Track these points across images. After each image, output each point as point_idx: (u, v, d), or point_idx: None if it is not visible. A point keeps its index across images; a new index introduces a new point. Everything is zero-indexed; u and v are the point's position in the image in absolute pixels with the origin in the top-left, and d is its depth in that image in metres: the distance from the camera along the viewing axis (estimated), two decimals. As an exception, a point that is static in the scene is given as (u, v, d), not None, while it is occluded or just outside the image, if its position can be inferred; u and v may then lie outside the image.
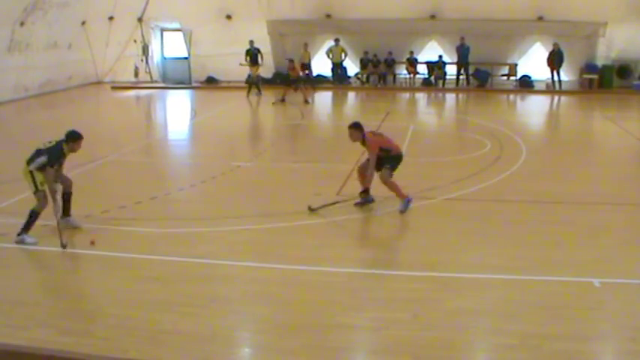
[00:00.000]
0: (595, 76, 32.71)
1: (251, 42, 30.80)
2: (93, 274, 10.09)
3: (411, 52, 34.14)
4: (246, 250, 11.05)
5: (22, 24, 28.46)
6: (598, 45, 32.73)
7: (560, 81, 31.37)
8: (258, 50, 31.22)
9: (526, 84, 32.90)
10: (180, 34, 35.61)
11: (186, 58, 35.84)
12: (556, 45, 29.62)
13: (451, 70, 33.96)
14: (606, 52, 32.79)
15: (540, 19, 32.48)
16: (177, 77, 36.00)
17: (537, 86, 32.76)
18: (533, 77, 33.14)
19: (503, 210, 13.12)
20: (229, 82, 33.72)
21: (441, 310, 8.73)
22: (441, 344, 7.83)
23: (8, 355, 7.51)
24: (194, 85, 35.51)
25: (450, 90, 33.38)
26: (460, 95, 32.57)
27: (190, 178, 16.24)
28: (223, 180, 15.90)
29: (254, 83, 30.58)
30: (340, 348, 7.93)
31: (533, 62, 33.19)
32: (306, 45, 33.62)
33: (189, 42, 35.16)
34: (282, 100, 28.27)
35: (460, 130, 23.22)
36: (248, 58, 30.86)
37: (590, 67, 32.96)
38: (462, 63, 33.21)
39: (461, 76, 33.65)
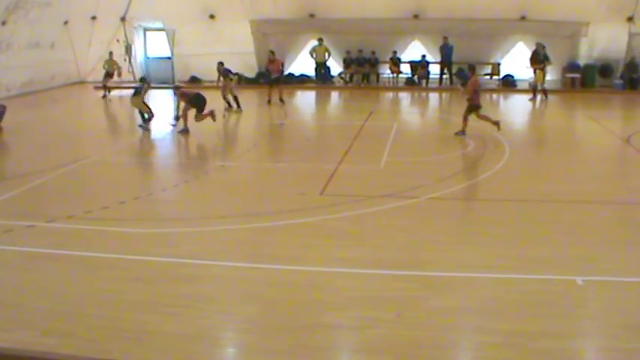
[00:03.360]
0: (577, 76, 32.88)
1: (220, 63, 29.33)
2: (76, 275, 10.03)
3: (394, 52, 34.20)
4: (231, 250, 11.04)
5: (3, 23, 28.29)
6: (580, 44, 32.91)
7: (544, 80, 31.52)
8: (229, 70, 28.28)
9: (509, 83, 33.03)
10: (163, 33, 35.50)
11: (169, 58, 35.74)
12: (538, 44, 29.70)
13: (434, 70, 34.05)
14: (588, 51, 32.98)
15: (523, 18, 32.62)
16: (160, 77, 35.86)
17: (520, 85, 32.89)
18: (516, 77, 33.28)
19: (487, 209, 13.18)
20: (212, 81, 33.60)
21: (424, 309, 8.75)
22: (425, 343, 7.84)
23: (-9, 357, 7.46)
24: (177, 85, 35.39)
25: (433, 89, 33.46)
26: (443, 95, 32.64)
27: (174, 178, 16.22)
28: (207, 180, 15.89)
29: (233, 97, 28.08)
30: (325, 347, 7.93)
31: (516, 62, 33.33)
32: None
33: (172, 42, 35.07)
34: (269, 102, 28.00)
35: (443, 130, 23.27)
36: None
37: (572, 67, 33.13)
38: (446, 62, 33.28)
39: (444, 76, 33.72)
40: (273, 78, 28.56)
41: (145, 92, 23.65)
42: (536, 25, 32.41)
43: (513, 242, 11.32)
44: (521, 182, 14.84)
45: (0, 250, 11.06)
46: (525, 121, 26.32)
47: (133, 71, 35.53)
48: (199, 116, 21.70)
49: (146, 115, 23.19)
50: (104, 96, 30.30)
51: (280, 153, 19.39)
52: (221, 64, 27.71)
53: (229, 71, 27.34)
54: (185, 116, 21.53)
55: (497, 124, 20.30)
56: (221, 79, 27.28)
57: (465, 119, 19.95)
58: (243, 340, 8.26)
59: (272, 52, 29.25)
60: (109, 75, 31.22)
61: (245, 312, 8.87)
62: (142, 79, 25.62)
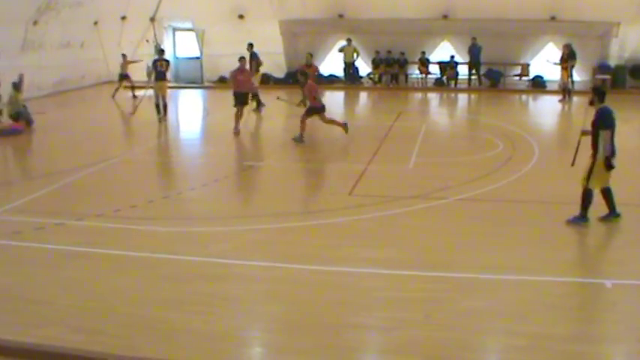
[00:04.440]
0: (607, 77, 32.56)
1: (250, 45, 28.78)
2: (105, 273, 10.11)
3: (423, 53, 34.08)
4: (258, 250, 11.06)
5: (35, 23, 28.53)
6: (611, 45, 32.59)
7: (572, 81, 31.24)
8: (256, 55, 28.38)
9: (538, 84, 32.79)
10: (192, 33, 35.64)
11: (198, 58, 35.87)
12: (568, 45, 29.47)
13: (463, 71, 33.88)
14: (619, 52, 32.64)
15: (553, 19, 32.37)
16: (189, 77, 36.03)
17: (550, 86, 32.63)
18: (546, 77, 33.02)
19: (516, 210, 13.07)
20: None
21: (452, 310, 8.72)
22: (453, 344, 7.81)
23: (21, 353, 7.55)
24: (206, 84, 35.53)
25: (462, 90, 33.30)
26: (472, 95, 32.49)
27: (202, 178, 16.25)
28: (235, 180, 15.94)
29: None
30: (352, 348, 7.93)
31: (546, 62, 33.07)
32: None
33: (201, 42, 35.19)
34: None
35: (472, 131, 23.17)
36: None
37: (603, 67, 32.81)
38: (474, 63, 33.11)
39: (472, 77, 33.55)
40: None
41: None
42: (566, 26, 32.14)
43: (542, 244, 11.24)
44: (550, 184, 14.71)
45: (30, 247, 11.17)
46: (554, 122, 26.15)
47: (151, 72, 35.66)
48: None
49: (160, 104, 23.49)
50: (134, 96, 30.44)
51: (309, 153, 19.39)
52: (251, 45, 27.85)
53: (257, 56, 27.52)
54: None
55: (344, 125, 20.37)
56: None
57: (303, 122, 19.83)
58: (270, 340, 8.28)
59: (310, 55, 26.51)
60: (124, 77, 31.24)
61: (272, 312, 8.88)
62: (161, 51, 25.73)
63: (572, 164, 12.27)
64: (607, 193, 12.06)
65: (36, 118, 23.04)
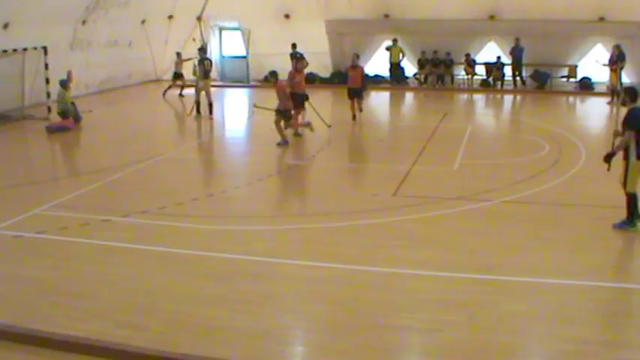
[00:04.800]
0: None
1: (293, 45, 29.62)
2: (149, 269, 10.19)
3: (468, 54, 33.84)
4: (302, 249, 11.07)
5: (83, 22, 28.89)
6: (663, 46, 32.06)
7: (621, 83, 30.78)
8: (301, 55, 27.46)
9: (586, 86, 32.36)
10: (238, 33, 35.80)
11: (244, 57, 36.02)
12: (618, 46, 29.05)
13: (510, 72, 33.60)
14: (670, 53, 32.10)
15: (602, 19, 31.93)
16: (235, 76, 36.23)
17: (598, 88, 32.19)
18: (594, 79, 32.58)
19: (561, 213, 12.90)
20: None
21: (496, 313, 8.62)
22: (496, 348, 7.72)
23: (66, 346, 7.63)
24: (252, 83, 35.66)
25: (508, 91, 33.01)
26: (518, 97, 32.20)
27: (247, 176, 16.31)
28: (280, 179, 15.97)
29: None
30: (394, 349, 7.89)
31: (594, 64, 32.64)
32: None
33: (247, 41, 35.33)
34: (354, 118, 23.81)
35: (518, 132, 22.95)
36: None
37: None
38: (517, 65, 32.81)
39: (517, 78, 33.25)
40: (353, 90, 23.48)
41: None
42: (615, 27, 31.68)
43: (587, 248, 11.09)
44: (596, 187, 14.47)
45: (76, 242, 11.31)
46: (602, 125, 25.77)
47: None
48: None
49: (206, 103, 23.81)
50: (180, 94, 30.64)
51: (354, 153, 19.35)
52: (294, 45, 27.78)
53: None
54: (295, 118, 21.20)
55: (309, 125, 20.35)
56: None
57: (278, 126, 19.68)
58: (312, 339, 8.26)
59: (356, 56, 24.77)
60: (179, 76, 31.39)
61: (314, 311, 8.87)
62: (202, 49, 26.01)
63: (608, 169, 11.99)
64: (631, 200, 11.76)
65: (83, 115, 23.31)
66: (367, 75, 24.45)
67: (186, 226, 12.21)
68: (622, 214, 11.85)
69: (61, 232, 11.72)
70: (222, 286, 9.51)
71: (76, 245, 11.21)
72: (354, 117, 23.35)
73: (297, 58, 23.68)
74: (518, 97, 32.08)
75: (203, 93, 24.64)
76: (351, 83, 23.37)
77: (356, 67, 23.76)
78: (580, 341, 7.79)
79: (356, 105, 23.38)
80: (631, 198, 11.69)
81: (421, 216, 12.82)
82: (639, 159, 11.43)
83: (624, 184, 11.75)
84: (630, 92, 12.06)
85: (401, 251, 10.86)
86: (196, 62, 25.48)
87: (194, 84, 25.59)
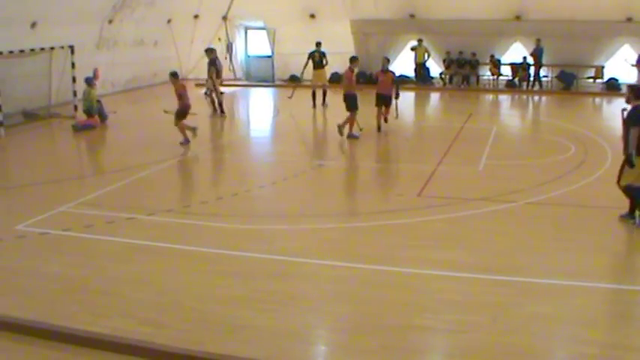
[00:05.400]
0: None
1: (318, 44, 28.89)
2: (173, 268, 10.23)
3: (492, 56, 33.68)
4: (326, 249, 11.05)
5: (110, 22, 29.07)
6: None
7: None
8: (323, 54, 28.46)
9: (613, 87, 32.08)
10: (264, 32, 35.87)
11: (269, 57, 36.08)
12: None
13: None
14: (698, 54, 31.82)
15: (629, 20, 31.67)
16: (260, 75, 36.28)
17: (625, 89, 31.90)
18: (621, 80, 32.31)
19: (587, 215, 12.80)
20: (312, 80, 33.80)
21: (520, 315, 8.58)
22: (519, 350, 7.68)
23: (90, 343, 7.68)
24: (277, 83, 35.71)
25: (533, 92, 32.83)
26: (544, 98, 32.01)
27: (272, 176, 16.32)
28: (304, 178, 15.95)
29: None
30: (417, 350, 7.87)
31: (621, 65, 32.40)
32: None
33: (272, 40, 35.38)
34: (379, 129, 21.97)
35: (544, 133, 22.80)
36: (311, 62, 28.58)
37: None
38: (538, 65, 32.63)
39: (544, 78, 33.06)
40: (382, 97, 21.63)
41: None
42: (643, 27, 31.44)
43: (614, 251, 11.04)
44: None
45: (102, 240, 11.37)
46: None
47: (233, 69, 35.96)
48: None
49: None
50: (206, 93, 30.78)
51: (379, 153, 19.32)
52: (319, 44, 27.82)
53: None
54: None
55: (193, 130, 19.83)
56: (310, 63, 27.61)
57: (180, 126, 19.65)
58: (334, 339, 8.26)
59: (387, 60, 22.78)
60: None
61: (337, 311, 8.86)
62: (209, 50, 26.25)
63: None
64: (633, 191, 11.97)
65: (109, 113, 23.45)
66: (398, 79, 22.51)
67: (210, 224, 12.25)
68: None
69: (87, 229, 11.81)
70: (246, 286, 9.53)
71: (101, 243, 11.28)
72: (379, 128, 21.44)
73: (316, 56, 23.78)
74: (544, 98, 31.89)
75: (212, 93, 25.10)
76: (381, 89, 21.67)
77: (386, 71, 21.98)
78: (604, 345, 7.74)
79: (383, 114, 21.65)
80: (630, 190, 11.93)
81: (446, 217, 12.78)
82: (639, 155, 11.57)
83: (618, 179, 12.04)
84: (635, 90, 12.18)
85: (425, 252, 10.83)
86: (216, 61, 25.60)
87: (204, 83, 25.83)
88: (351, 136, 20.20)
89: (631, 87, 12.64)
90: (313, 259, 10.52)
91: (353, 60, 21.51)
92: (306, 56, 28.09)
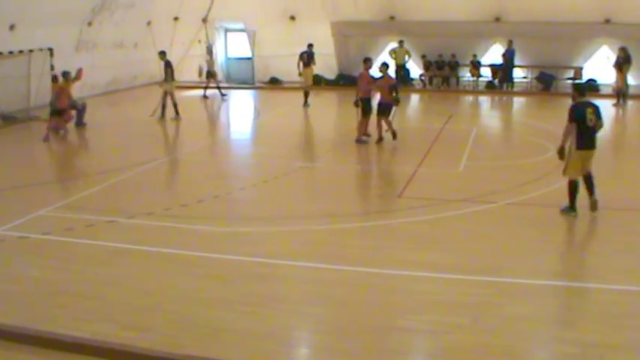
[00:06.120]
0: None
1: (309, 45, 29.20)
2: (154, 271, 10.21)
3: (474, 55, 33.85)
4: (307, 251, 11.05)
5: (89, 24, 28.97)
6: (667, 49, 32.04)
7: (627, 85, 30.71)
8: (311, 55, 29.01)
9: (592, 88, 32.27)
10: (244, 34, 35.85)
11: (249, 59, 36.07)
12: (624, 49, 29.03)
13: (516, 73, 33.61)
14: (676, 55, 32.08)
15: (607, 21, 31.90)
16: (240, 77, 36.27)
17: (604, 90, 32.14)
18: (600, 81, 32.54)
19: (565, 216, 12.87)
20: (293, 82, 33.78)
21: (500, 315, 8.62)
22: (501, 350, 7.72)
23: (71, 347, 7.65)
24: (257, 85, 35.70)
25: (514, 93, 32.99)
26: (524, 99, 32.17)
27: (253, 178, 16.31)
28: (285, 180, 15.94)
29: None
30: (399, 351, 7.88)
31: (600, 66, 32.65)
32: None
33: (253, 42, 35.36)
34: (380, 140, 20.37)
35: (523, 134, 22.90)
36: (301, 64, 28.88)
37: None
38: (510, 67, 32.88)
39: (524, 79, 33.26)
40: (381, 106, 20.12)
41: None
42: (621, 29, 31.65)
43: (594, 251, 11.15)
44: (602, 189, 14.42)
45: (82, 243, 11.34)
46: (607, 127, 25.73)
47: (214, 71, 35.93)
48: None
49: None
50: (205, 96, 30.80)
51: (359, 155, 19.34)
52: (310, 45, 27.92)
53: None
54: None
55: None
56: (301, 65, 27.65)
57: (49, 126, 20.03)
58: (316, 341, 8.28)
59: (385, 66, 20.62)
60: (212, 75, 31.59)
61: (319, 312, 8.87)
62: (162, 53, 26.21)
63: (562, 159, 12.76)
64: (572, 187, 12.58)
65: (88, 118, 23.34)
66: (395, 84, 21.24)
67: (191, 227, 12.22)
68: (628, 216, 11.92)
69: (67, 233, 11.75)
70: (228, 288, 9.53)
71: (81, 246, 11.24)
72: (380, 138, 20.02)
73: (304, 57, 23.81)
74: (524, 99, 32.05)
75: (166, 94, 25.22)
76: (380, 97, 20.22)
77: (384, 77, 20.34)
78: (584, 344, 7.78)
79: (383, 124, 20.01)
80: (569, 185, 12.54)
81: (426, 218, 12.82)
82: (578, 149, 12.34)
83: (564, 170, 12.65)
84: (577, 88, 13.15)
85: (406, 253, 10.87)
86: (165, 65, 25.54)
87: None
88: (360, 141, 20.00)
89: (575, 85, 13.68)
90: (295, 261, 10.53)
91: (366, 61, 21.00)
92: (286, 58, 28.23)
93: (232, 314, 8.64)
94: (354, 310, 8.86)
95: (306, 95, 28.08)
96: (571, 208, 12.64)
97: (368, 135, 20.18)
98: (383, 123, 19.93)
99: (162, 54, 25.87)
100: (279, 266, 10.38)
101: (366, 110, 20.11)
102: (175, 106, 24.90)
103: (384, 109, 20.05)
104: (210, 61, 31.92)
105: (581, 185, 12.59)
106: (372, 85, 20.32)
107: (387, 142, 19.80)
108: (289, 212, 13.35)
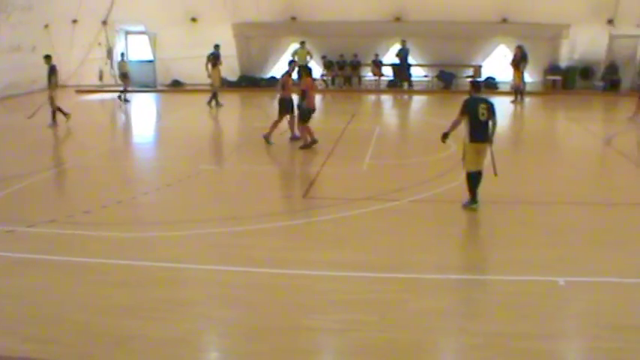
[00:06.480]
0: (558, 78, 33.09)
1: (216, 46, 29.23)
2: (57, 280, 9.97)
3: (376, 55, 34.26)
4: (213, 254, 11.01)
5: (-16, 27, 28.24)
6: (561, 46, 33.11)
7: (524, 82, 31.58)
8: (217, 56, 29.03)
9: (491, 85, 33.08)
10: (145, 37, 35.43)
11: (151, 62, 35.66)
12: (520, 47, 29.83)
13: (417, 72, 34.18)
14: (569, 53, 33.17)
15: (504, 21, 32.75)
16: (142, 80, 35.78)
17: (502, 87, 32.98)
18: (498, 79, 33.39)
19: (468, 211, 13.17)
20: (196, 85, 33.56)
21: (406, 311, 8.76)
22: (408, 345, 7.86)
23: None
24: (159, 88, 35.34)
25: (415, 92, 33.54)
26: (425, 97, 32.75)
27: (156, 182, 16.13)
28: (189, 183, 15.82)
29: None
30: (307, 351, 7.92)
31: (498, 64, 33.54)
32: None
33: (154, 45, 34.99)
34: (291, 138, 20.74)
35: (425, 132, 23.28)
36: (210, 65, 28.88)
37: (553, 69, 33.34)
38: (404, 66, 33.47)
39: (425, 78, 33.85)
40: (301, 107, 19.83)
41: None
42: (517, 28, 32.56)
43: (494, 244, 11.43)
44: (502, 184, 14.80)
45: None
46: (506, 123, 26.37)
47: (114, 75, 35.39)
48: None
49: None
50: (126, 100, 30.24)
51: (263, 156, 19.33)
52: (217, 46, 27.78)
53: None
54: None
55: None
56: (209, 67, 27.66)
57: None
58: (224, 344, 8.25)
59: (307, 70, 20.77)
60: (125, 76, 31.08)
61: (227, 315, 8.84)
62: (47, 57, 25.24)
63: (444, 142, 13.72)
64: (470, 178, 13.12)
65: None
66: (273, 77, 21.14)
67: (95, 234, 11.99)
68: (527, 209, 12.33)
69: (-37, 244, 11.42)
70: (133, 295, 9.39)
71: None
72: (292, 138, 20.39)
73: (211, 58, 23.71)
74: (425, 98, 32.63)
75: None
76: (311, 103, 19.81)
77: (308, 78, 20.09)
78: (489, 334, 8.01)
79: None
80: (469, 177, 13.07)
81: (331, 217, 12.91)
82: (471, 142, 12.99)
83: (463, 166, 13.25)
84: (473, 84, 14.04)
85: (312, 253, 10.92)
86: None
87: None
88: (267, 138, 20.05)
89: (471, 82, 14.48)
90: (201, 265, 10.48)
91: (291, 63, 21.28)
92: (189, 61, 28.13)
93: (140, 321, 8.52)
94: (262, 311, 8.85)
95: (215, 96, 27.99)
96: (472, 200, 13.07)
97: (315, 141, 19.55)
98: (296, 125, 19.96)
99: (48, 58, 24.86)
100: (186, 270, 10.31)
101: (286, 111, 20.27)
102: (54, 112, 23.99)
103: (308, 114, 19.65)
104: (123, 63, 31.40)
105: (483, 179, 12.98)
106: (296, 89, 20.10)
107: (286, 142, 19.94)
108: (194, 215, 13.25)
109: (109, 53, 34.72)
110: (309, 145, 19.14)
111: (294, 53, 33.66)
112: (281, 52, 35.15)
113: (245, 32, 34.51)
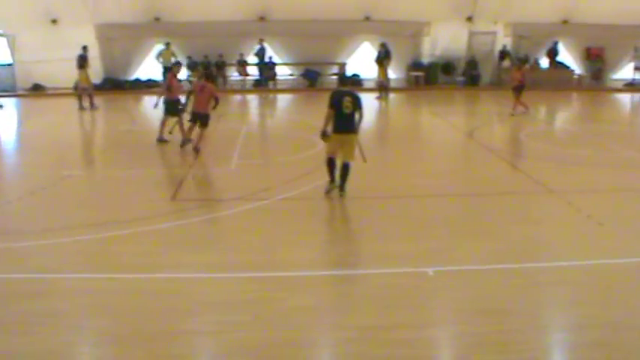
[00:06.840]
0: (421, 74, 33.99)
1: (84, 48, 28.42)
2: None
3: (241, 54, 34.30)
4: (81, 262, 10.78)
5: None
6: (423, 43, 34.02)
7: (388, 79, 32.28)
8: (84, 57, 28.27)
9: (355, 82, 33.62)
10: (2, 39, 34.30)
11: (10, 65, 34.55)
12: (384, 44, 30.46)
13: (282, 71, 34.43)
14: (431, 50, 34.14)
15: (367, 19, 33.36)
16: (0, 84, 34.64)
17: (367, 84, 33.60)
18: (363, 76, 34.01)
19: (336, 207, 13.42)
20: (58, 89, 32.74)
21: (280, 309, 8.84)
22: (283, 343, 7.94)
23: None
24: (19, 92, 34.27)
25: (281, 91, 33.76)
26: (291, 96, 33.01)
27: (18, 190, 15.64)
28: (53, 191, 15.44)
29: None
30: (183, 355, 7.89)
31: (362, 61, 34.17)
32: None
33: (12, 47, 33.92)
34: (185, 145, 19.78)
35: (291, 131, 23.50)
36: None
37: (416, 65, 34.21)
38: (263, 64, 33.83)
39: (290, 76, 34.12)
40: (200, 115, 19.06)
41: None
42: (379, 25, 33.25)
43: (364, 238, 11.69)
44: (369, 179, 15.18)
45: None
46: (372, 119, 26.89)
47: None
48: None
49: None
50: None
51: (128, 160, 19.05)
52: (85, 47, 27.35)
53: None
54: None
55: None
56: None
57: None
58: (98, 354, 8.09)
59: (203, 72, 21.38)
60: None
61: (100, 324, 8.68)
62: None
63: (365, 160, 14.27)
64: (328, 163, 13.96)
65: None
66: (138, 79, 21.13)
67: (-46, 247, 11.59)
68: (396, 203, 12.89)
69: None
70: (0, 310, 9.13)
71: None
72: (185, 142, 19.49)
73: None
74: (291, 96, 32.88)
75: None
76: (198, 106, 19.03)
77: (206, 79, 19.60)
78: (362, 327, 8.20)
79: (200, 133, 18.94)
80: (327, 161, 13.98)
81: (201, 219, 12.91)
82: (334, 132, 13.81)
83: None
84: (340, 78, 15.42)
85: (183, 255, 10.87)
86: None
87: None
88: (161, 140, 20.02)
89: (339, 76, 16.65)
90: (69, 274, 10.24)
91: (175, 65, 21.38)
92: (51, 64, 27.45)
93: (7, 336, 8.26)
94: (134, 318, 8.75)
95: (87, 97, 27.34)
96: (331, 182, 13.89)
97: (189, 141, 19.36)
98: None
99: None
100: (53, 281, 10.05)
101: (175, 112, 20.10)
102: None
103: (202, 120, 18.99)
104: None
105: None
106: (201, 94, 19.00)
107: (154, 144, 19.79)
108: (59, 223, 12.93)
109: None
110: (183, 144, 19.33)
111: (159, 54, 33.38)
112: (145, 53, 34.74)
113: (108, 34, 33.94)
